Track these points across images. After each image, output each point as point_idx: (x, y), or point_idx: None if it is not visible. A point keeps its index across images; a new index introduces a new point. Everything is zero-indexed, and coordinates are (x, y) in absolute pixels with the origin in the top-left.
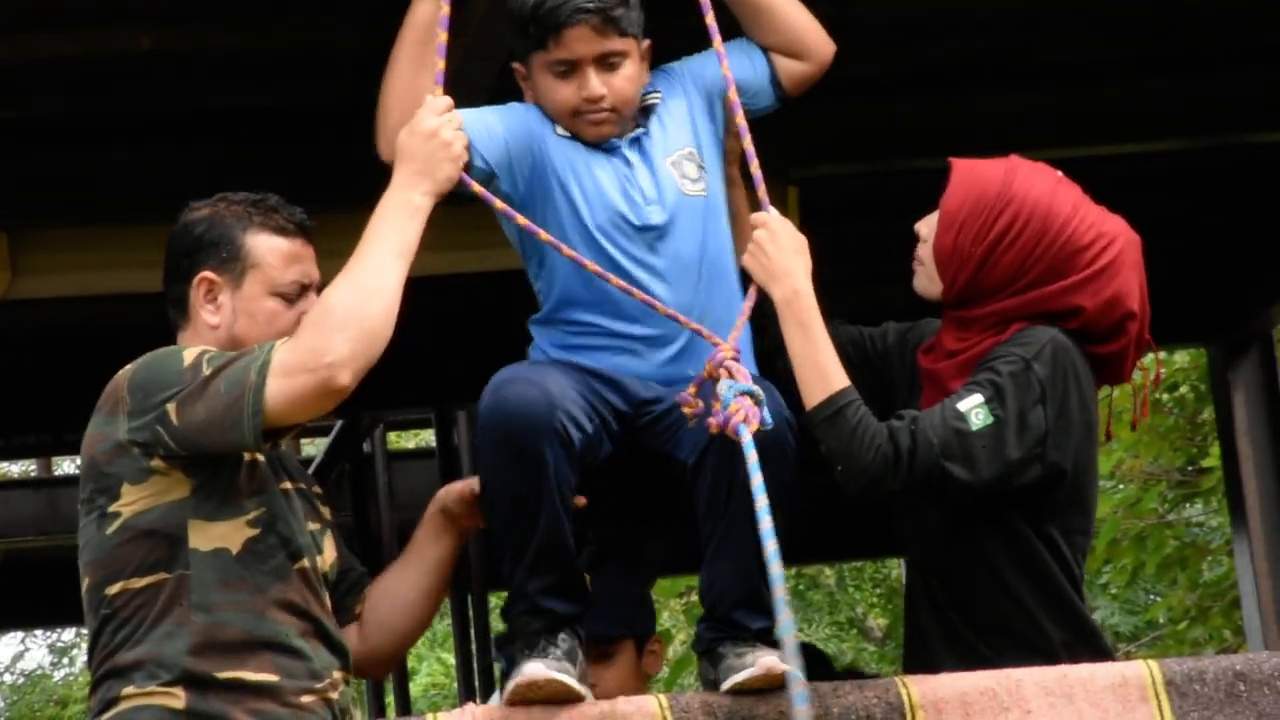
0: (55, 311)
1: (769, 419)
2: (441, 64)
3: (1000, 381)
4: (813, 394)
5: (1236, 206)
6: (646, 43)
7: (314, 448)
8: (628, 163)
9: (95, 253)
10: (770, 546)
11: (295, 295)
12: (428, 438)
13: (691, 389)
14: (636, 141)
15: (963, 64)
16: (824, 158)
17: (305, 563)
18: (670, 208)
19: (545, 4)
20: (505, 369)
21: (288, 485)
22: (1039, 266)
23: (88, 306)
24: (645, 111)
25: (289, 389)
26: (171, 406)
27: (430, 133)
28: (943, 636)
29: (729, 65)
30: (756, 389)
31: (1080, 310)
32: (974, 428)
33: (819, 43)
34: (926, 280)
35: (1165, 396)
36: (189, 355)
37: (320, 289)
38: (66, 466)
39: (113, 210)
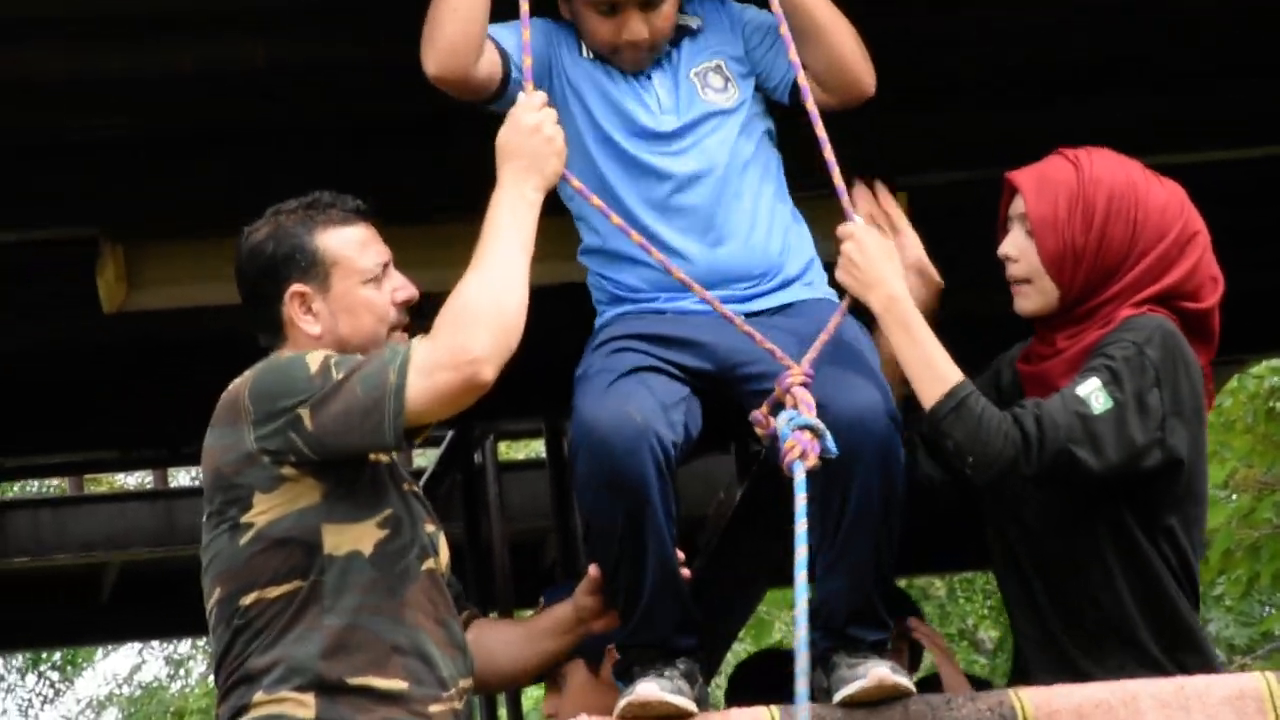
0: (171, 323)
1: (832, 448)
2: (527, 33)
3: (1115, 366)
4: (930, 392)
5: None
6: None
7: (425, 459)
8: (648, 76)
9: (210, 264)
10: (802, 590)
11: (381, 276)
12: (538, 448)
13: (764, 408)
14: (663, 60)
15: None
16: (933, 164)
17: (432, 563)
18: (686, 116)
19: None
20: (585, 391)
21: (406, 487)
22: (1145, 229)
23: (203, 318)
24: (679, 30)
25: (432, 386)
26: (305, 411)
27: (534, 128)
28: (1044, 645)
29: (782, 52)
30: (816, 423)
31: (1187, 254)
32: (1095, 411)
33: (857, 79)
34: (1038, 295)
35: (1279, 405)
36: (314, 360)
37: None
38: (183, 478)
39: (228, 222)
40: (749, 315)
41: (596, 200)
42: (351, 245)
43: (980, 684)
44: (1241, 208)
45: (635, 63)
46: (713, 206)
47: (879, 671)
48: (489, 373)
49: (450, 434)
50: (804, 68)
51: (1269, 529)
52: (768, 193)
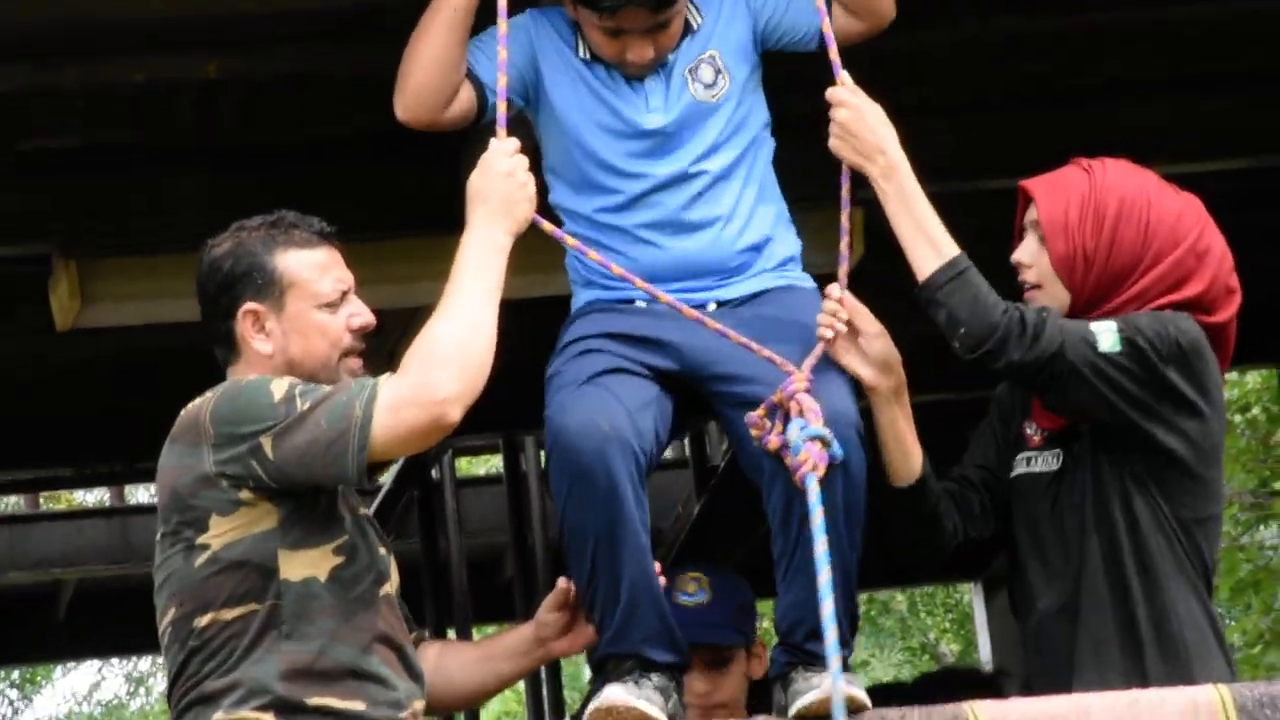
0: (125, 340)
1: (838, 452)
2: (503, 80)
3: (1137, 322)
4: (928, 262)
5: None
6: None
7: (382, 475)
8: (640, 78)
9: (164, 280)
10: (825, 584)
11: (338, 302)
12: (496, 464)
13: (761, 411)
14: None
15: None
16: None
17: (387, 588)
18: (674, 112)
19: None
20: (554, 397)
21: (360, 511)
22: (1158, 237)
23: (158, 334)
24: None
25: (398, 424)
26: (267, 440)
27: (506, 173)
28: (1084, 649)
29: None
30: (826, 432)
31: (1203, 265)
32: (1101, 347)
33: (883, 8)
34: (1049, 299)
35: (1238, 418)
36: (278, 388)
37: (356, 291)
38: (140, 495)
39: (181, 238)
40: (719, 304)
41: (572, 241)
42: (310, 268)
43: (960, 676)
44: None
45: (639, 74)
46: (690, 204)
47: (833, 684)
48: (456, 413)
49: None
50: None
51: (1227, 542)
52: (750, 194)
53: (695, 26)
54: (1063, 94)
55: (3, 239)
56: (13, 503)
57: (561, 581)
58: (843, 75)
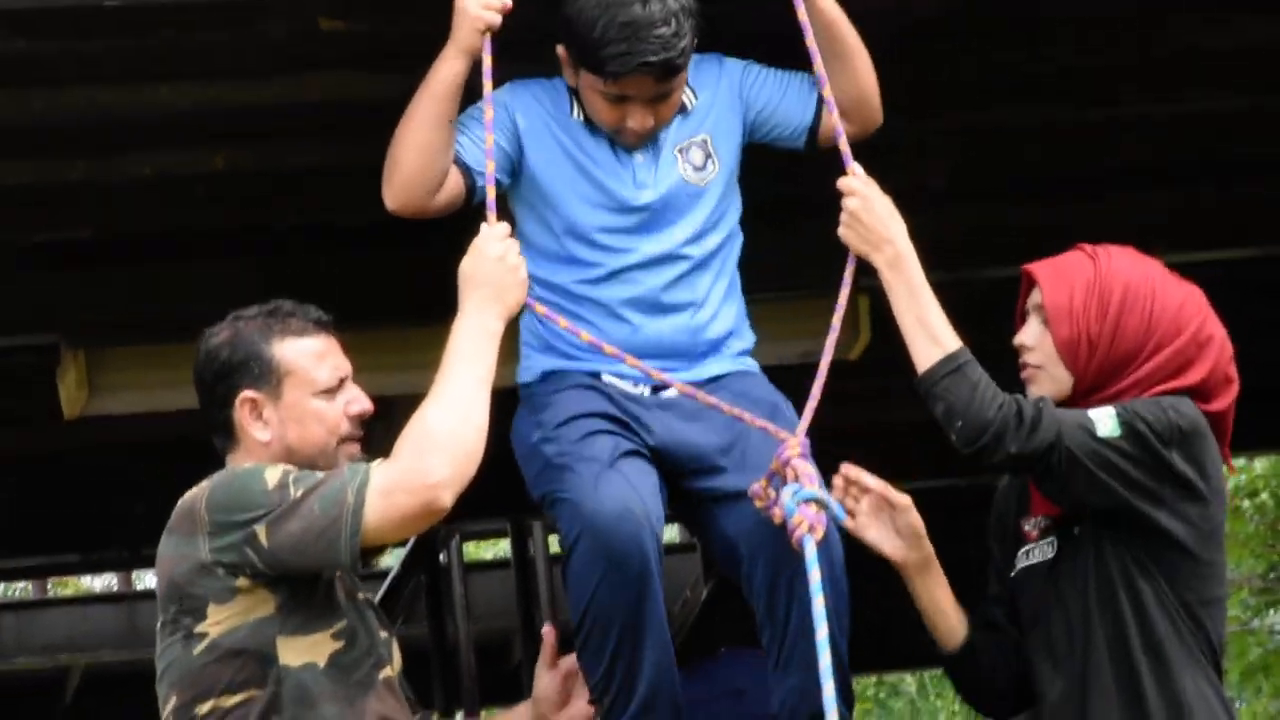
0: (132, 428)
1: (840, 514)
2: (490, 165)
3: (1135, 408)
4: (929, 354)
5: None
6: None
7: (390, 559)
8: (629, 150)
9: (171, 370)
10: (825, 663)
11: (336, 389)
12: (504, 548)
13: (763, 482)
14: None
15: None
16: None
17: (388, 671)
18: (664, 192)
19: (609, 49)
20: (570, 480)
21: (359, 596)
22: (1160, 325)
23: (164, 422)
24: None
25: (390, 509)
26: (261, 528)
27: (497, 258)
28: None
29: (796, 95)
30: (822, 494)
31: (1204, 355)
32: (1100, 432)
33: (874, 110)
34: (1051, 382)
35: (1246, 503)
36: (272, 476)
37: (353, 379)
38: (148, 580)
39: (188, 327)
40: (658, 389)
41: (565, 322)
42: (307, 356)
43: None
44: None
45: (634, 145)
46: (669, 286)
47: None
48: (448, 499)
49: (430, 525)
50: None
51: (1236, 626)
52: (721, 285)
53: (690, 106)
54: (1065, 182)
55: (11, 329)
56: (20, 588)
57: (548, 634)
58: (853, 166)
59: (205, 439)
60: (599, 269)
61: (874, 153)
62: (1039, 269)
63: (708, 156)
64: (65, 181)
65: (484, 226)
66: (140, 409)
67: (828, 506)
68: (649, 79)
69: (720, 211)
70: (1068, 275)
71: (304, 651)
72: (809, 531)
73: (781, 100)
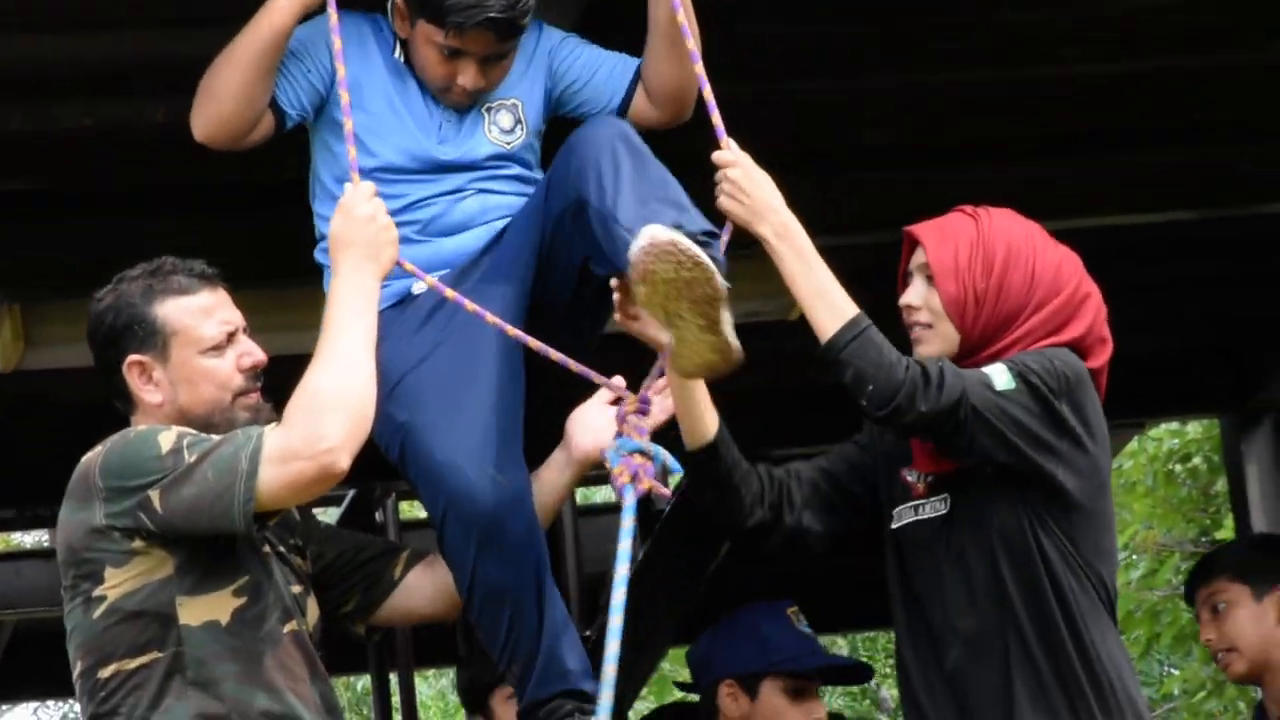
0: (67, 383)
1: (674, 466)
2: (350, 124)
3: (1024, 360)
4: (828, 323)
5: (1251, 276)
6: None
7: (326, 517)
8: (439, 103)
9: None
10: (614, 621)
11: (225, 344)
12: None
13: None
14: None
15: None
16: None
17: (295, 624)
18: (464, 149)
19: (455, 0)
20: (425, 442)
21: (266, 550)
22: (1043, 282)
23: (98, 378)
24: None
25: (284, 475)
26: (155, 493)
27: (368, 218)
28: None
29: (606, 76)
30: (647, 445)
31: (1082, 312)
32: (998, 386)
33: (686, 105)
34: (940, 340)
35: (1178, 468)
36: (165, 440)
37: (245, 331)
38: None
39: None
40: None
41: (431, 279)
42: (191, 313)
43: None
44: (1149, 267)
45: (458, 105)
46: (462, 211)
47: None
48: (345, 461)
49: (351, 493)
50: (645, 80)
51: (1168, 591)
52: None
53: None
54: (938, 152)
55: None
56: None
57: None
58: (727, 140)
59: None
60: (395, 201)
61: None
62: (922, 230)
63: (517, 121)
64: (4, 130)
65: (348, 186)
66: (75, 363)
67: (655, 459)
68: (490, 35)
69: (524, 180)
70: (951, 234)
71: (205, 610)
72: (630, 481)
73: (591, 78)
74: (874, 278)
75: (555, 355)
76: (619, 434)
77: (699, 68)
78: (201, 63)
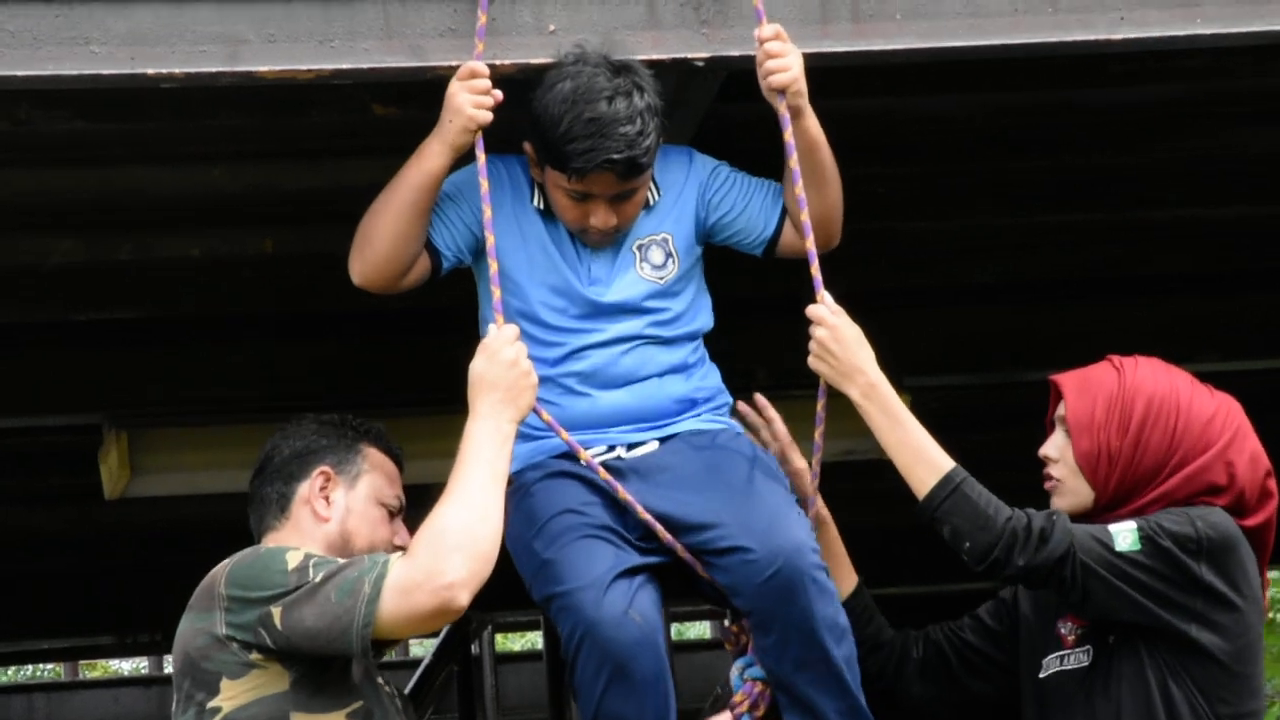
0: (169, 510)
1: None
2: (494, 266)
3: (1161, 519)
4: (923, 480)
5: None
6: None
7: (422, 648)
8: (598, 246)
9: (209, 452)
10: None
11: (396, 512)
12: (535, 639)
13: (735, 625)
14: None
15: (1066, 276)
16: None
17: None
18: (618, 291)
19: (574, 145)
20: (563, 596)
21: (380, 682)
22: (1186, 440)
23: (201, 505)
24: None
25: (405, 606)
26: (276, 609)
27: (511, 363)
28: None
29: (759, 206)
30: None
31: (1233, 471)
32: (1118, 548)
33: (836, 231)
34: (1072, 494)
35: (1278, 616)
36: (293, 557)
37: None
38: None
39: (230, 410)
40: (634, 446)
41: (565, 434)
42: (387, 469)
43: None
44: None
45: (598, 244)
46: (625, 362)
47: None
48: (464, 598)
49: (447, 625)
50: (790, 212)
51: None
52: (680, 353)
53: (652, 203)
54: (1111, 285)
55: (55, 408)
56: (51, 669)
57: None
58: (823, 293)
59: (241, 523)
60: (555, 349)
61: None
62: (1064, 380)
63: (668, 255)
64: (114, 261)
65: (492, 328)
66: (180, 491)
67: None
68: (612, 176)
69: (679, 307)
70: (1091, 387)
71: None
72: (749, 710)
73: (745, 209)
74: None
75: (701, 571)
76: (741, 652)
77: (806, 216)
78: (307, 194)
